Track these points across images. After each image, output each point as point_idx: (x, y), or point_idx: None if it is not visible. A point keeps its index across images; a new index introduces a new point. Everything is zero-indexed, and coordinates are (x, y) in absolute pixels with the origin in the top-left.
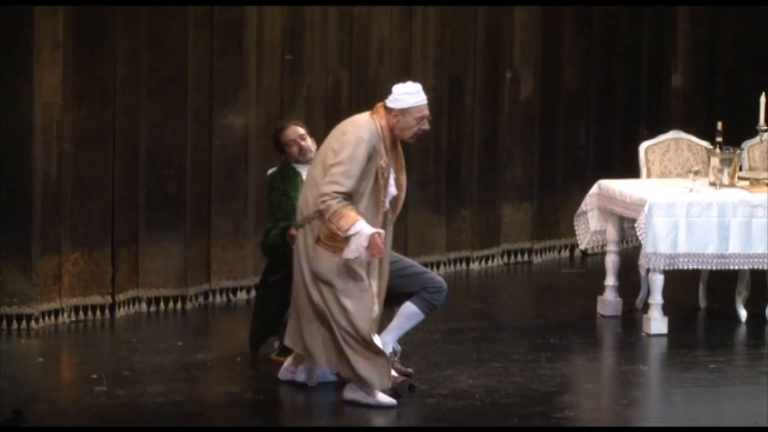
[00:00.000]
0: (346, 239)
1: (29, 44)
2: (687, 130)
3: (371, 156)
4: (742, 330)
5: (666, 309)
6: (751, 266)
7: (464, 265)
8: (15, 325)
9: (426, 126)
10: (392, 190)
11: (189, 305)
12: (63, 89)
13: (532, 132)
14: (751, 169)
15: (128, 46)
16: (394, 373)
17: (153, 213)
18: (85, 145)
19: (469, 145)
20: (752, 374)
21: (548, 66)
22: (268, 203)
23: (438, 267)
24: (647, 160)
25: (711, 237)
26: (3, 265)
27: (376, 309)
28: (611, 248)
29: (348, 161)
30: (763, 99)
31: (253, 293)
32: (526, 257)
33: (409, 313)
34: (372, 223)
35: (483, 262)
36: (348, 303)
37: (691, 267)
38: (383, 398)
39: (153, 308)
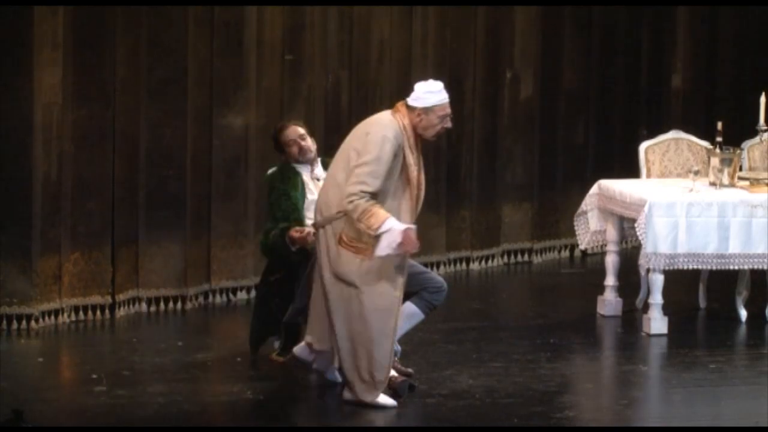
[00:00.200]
0: (376, 238)
1: (29, 44)
2: (687, 130)
3: (396, 155)
4: (742, 330)
5: (666, 309)
6: (751, 266)
7: (464, 265)
8: (15, 325)
9: (449, 124)
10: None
11: (189, 305)
12: (63, 89)
13: (532, 132)
14: (751, 169)
15: (128, 46)
16: (393, 372)
17: (153, 213)
18: (85, 145)
19: (469, 145)
20: (752, 374)
21: (548, 66)
22: (268, 203)
23: (438, 267)
24: (647, 160)
25: (711, 237)
26: (3, 265)
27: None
28: (611, 248)
29: (374, 161)
30: (763, 99)
31: (253, 293)
32: (526, 257)
33: (409, 313)
34: (402, 222)
35: (483, 262)
36: (368, 306)
37: (691, 267)
38: (383, 398)
39: (153, 308)
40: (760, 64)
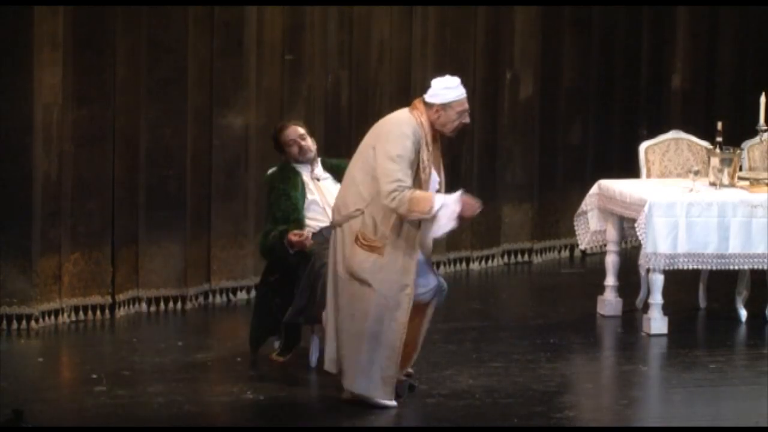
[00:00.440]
0: (432, 219)
1: (29, 44)
2: (687, 130)
3: (417, 151)
4: (742, 330)
5: (666, 309)
6: (751, 266)
7: (464, 265)
8: (15, 325)
9: (467, 119)
10: (434, 185)
11: (189, 305)
12: (63, 89)
13: (532, 132)
14: (751, 169)
15: (128, 46)
16: None
17: (153, 213)
18: (85, 145)
19: (469, 145)
20: (752, 374)
21: (548, 66)
22: (268, 203)
23: (438, 267)
24: (647, 160)
25: (711, 237)
26: (3, 265)
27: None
28: (611, 248)
29: (399, 158)
30: (763, 99)
31: (253, 293)
32: (526, 257)
33: None
34: (412, 237)
35: (483, 262)
36: (381, 304)
37: (691, 267)
38: (383, 399)
39: (153, 308)
40: (760, 64)
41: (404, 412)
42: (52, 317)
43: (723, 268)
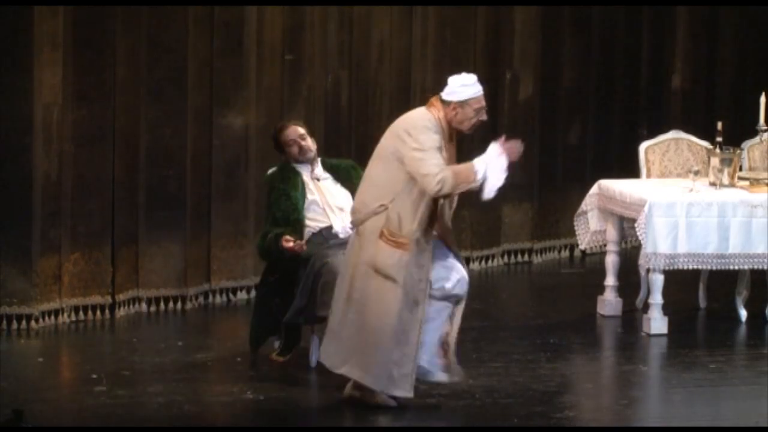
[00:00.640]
0: (479, 183)
1: (29, 44)
2: (687, 130)
3: (440, 144)
4: (742, 330)
5: (666, 309)
6: (751, 266)
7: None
8: (15, 325)
9: (484, 116)
10: None
11: (189, 305)
12: (63, 89)
13: (532, 132)
14: (751, 169)
15: (128, 46)
16: None
17: (153, 213)
18: (85, 145)
19: (469, 145)
20: (752, 374)
21: (548, 66)
22: (268, 203)
23: None
24: (647, 160)
25: (711, 237)
26: (3, 265)
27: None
28: (611, 248)
29: (429, 148)
30: (763, 99)
31: (253, 293)
32: (526, 257)
33: None
34: (444, 217)
35: (483, 262)
36: (404, 299)
37: (691, 267)
38: (383, 399)
39: (153, 308)
40: (760, 64)
41: (404, 412)
42: (52, 317)
43: (723, 268)
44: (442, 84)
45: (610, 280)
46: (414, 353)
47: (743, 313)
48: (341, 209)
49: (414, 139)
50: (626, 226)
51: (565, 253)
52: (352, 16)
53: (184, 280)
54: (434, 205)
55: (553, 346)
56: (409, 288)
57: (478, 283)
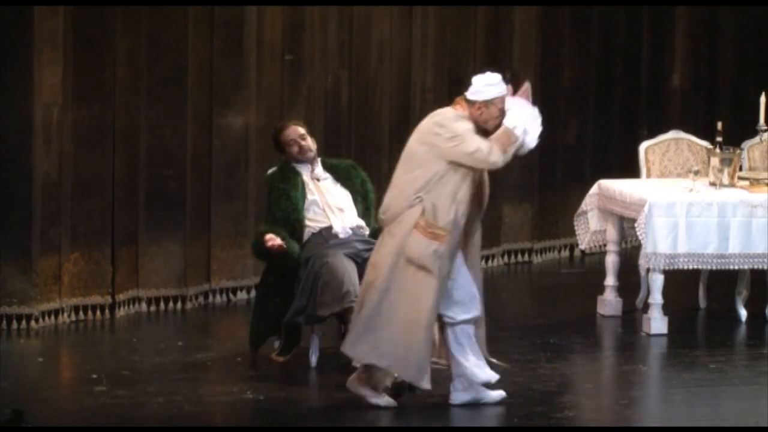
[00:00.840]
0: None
1: (29, 44)
2: (687, 130)
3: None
4: (742, 330)
5: (666, 309)
6: (751, 266)
7: None
8: (15, 325)
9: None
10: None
11: (189, 305)
12: (63, 89)
13: None
14: (751, 169)
15: (128, 46)
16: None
17: (153, 213)
18: (85, 145)
19: None
20: (752, 374)
21: (548, 66)
22: (267, 203)
23: None
24: (647, 160)
25: (711, 237)
26: (3, 265)
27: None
28: (611, 248)
29: (464, 133)
30: (763, 99)
31: (253, 293)
32: (526, 257)
33: None
34: (474, 221)
35: (483, 262)
36: (437, 290)
37: (691, 267)
38: (384, 399)
39: (153, 308)
40: (760, 64)
41: (404, 412)
42: (52, 317)
43: (723, 268)
44: (442, 84)
45: (610, 280)
46: (434, 342)
47: (743, 313)
48: (341, 210)
49: (447, 129)
50: (626, 226)
51: (565, 253)
52: (352, 16)
53: (184, 280)
54: (468, 198)
55: (553, 346)
56: (441, 282)
57: None
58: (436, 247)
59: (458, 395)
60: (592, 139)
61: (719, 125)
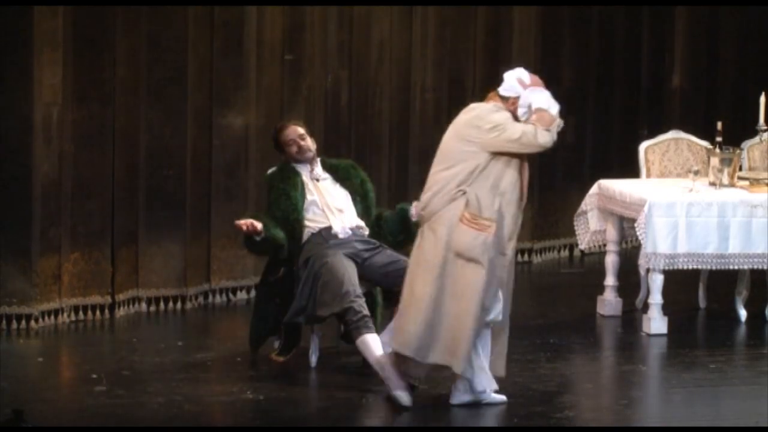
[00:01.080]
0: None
1: (29, 44)
2: (687, 130)
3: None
4: (742, 330)
5: (666, 309)
6: (751, 266)
7: None
8: (15, 325)
9: None
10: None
11: (189, 305)
12: (63, 89)
13: None
14: (751, 169)
15: (128, 46)
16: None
17: (153, 213)
18: (85, 145)
19: None
20: (752, 374)
21: (548, 66)
22: (267, 202)
23: None
24: (647, 160)
25: (711, 237)
26: (3, 265)
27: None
28: (611, 248)
29: (504, 122)
30: (762, 99)
31: (253, 293)
32: (525, 257)
33: None
34: (516, 217)
35: None
36: (487, 282)
37: (690, 267)
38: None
39: (153, 308)
40: (760, 64)
41: (404, 412)
42: (52, 317)
43: (723, 268)
44: (442, 84)
45: (610, 280)
46: (473, 338)
47: (743, 313)
48: (340, 210)
49: (486, 121)
50: (626, 226)
51: (565, 253)
52: (352, 16)
53: (184, 280)
54: (510, 188)
55: (553, 346)
56: (492, 271)
57: None
58: (484, 238)
59: (459, 395)
60: (592, 139)
61: (719, 125)
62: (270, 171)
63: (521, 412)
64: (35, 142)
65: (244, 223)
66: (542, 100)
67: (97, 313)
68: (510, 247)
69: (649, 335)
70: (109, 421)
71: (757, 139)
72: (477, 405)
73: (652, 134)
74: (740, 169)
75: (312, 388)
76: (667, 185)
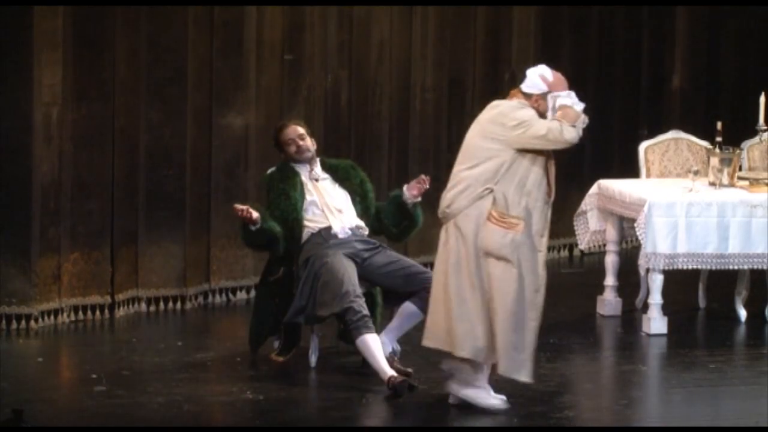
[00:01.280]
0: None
1: (29, 44)
2: (687, 130)
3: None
4: (742, 330)
5: (666, 309)
6: (750, 266)
7: None
8: (15, 325)
9: None
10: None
11: (189, 305)
12: (63, 89)
13: None
14: (750, 169)
15: (128, 46)
16: (393, 372)
17: (153, 213)
18: (85, 145)
19: None
20: (752, 374)
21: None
22: (267, 202)
23: None
24: (647, 160)
25: (710, 237)
26: (3, 265)
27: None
28: (611, 248)
29: (529, 119)
30: (762, 99)
31: (253, 293)
32: None
33: (409, 312)
34: (544, 212)
35: None
36: (521, 279)
37: (690, 267)
38: (497, 398)
39: (153, 308)
40: (760, 64)
41: (404, 412)
42: (52, 317)
43: (723, 268)
44: (442, 84)
45: (610, 280)
46: (532, 339)
47: (743, 313)
48: (339, 210)
49: (511, 118)
50: (626, 226)
51: (565, 253)
52: (352, 16)
53: (183, 280)
54: (537, 186)
55: (553, 346)
56: (524, 271)
57: None
58: (513, 236)
59: (458, 388)
60: (592, 139)
61: (719, 125)
62: (269, 171)
63: (521, 412)
64: (35, 142)
65: (243, 208)
66: (565, 97)
67: (97, 313)
68: (543, 244)
69: (649, 335)
70: (109, 421)
71: (756, 139)
72: (477, 405)
73: (651, 134)
74: (740, 169)
75: (312, 388)
76: (666, 185)
